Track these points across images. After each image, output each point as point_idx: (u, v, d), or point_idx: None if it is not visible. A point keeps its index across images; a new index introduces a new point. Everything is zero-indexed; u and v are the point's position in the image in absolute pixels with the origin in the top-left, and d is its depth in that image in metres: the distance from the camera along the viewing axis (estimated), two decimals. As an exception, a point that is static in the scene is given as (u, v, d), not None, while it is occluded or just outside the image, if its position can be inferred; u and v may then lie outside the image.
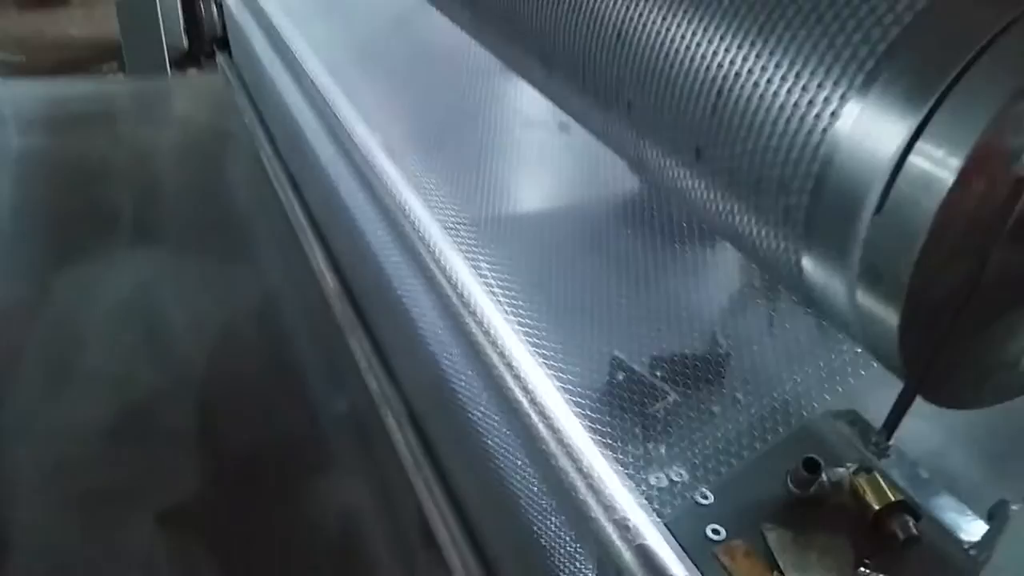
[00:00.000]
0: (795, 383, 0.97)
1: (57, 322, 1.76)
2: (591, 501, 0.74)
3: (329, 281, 1.80)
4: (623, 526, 0.69)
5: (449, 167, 1.46)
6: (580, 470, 0.78)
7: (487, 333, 1.01)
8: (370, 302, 1.64)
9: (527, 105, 1.78)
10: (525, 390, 0.93)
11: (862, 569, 0.80)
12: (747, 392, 0.98)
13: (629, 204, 1.41)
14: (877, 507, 0.84)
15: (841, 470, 0.89)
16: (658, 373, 1.01)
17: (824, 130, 0.54)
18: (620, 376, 1.00)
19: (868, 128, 0.50)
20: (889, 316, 0.52)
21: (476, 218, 1.32)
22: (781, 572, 0.82)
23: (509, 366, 0.97)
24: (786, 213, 0.60)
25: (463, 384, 1.21)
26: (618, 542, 0.69)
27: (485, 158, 1.52)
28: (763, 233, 0.64)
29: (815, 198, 0.56)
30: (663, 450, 0.94)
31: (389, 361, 1.53)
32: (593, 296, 1.15)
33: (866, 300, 0.53)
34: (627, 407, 0.97)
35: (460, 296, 1.06)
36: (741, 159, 0.62)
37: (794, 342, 1.10)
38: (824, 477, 0.89)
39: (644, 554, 0.67)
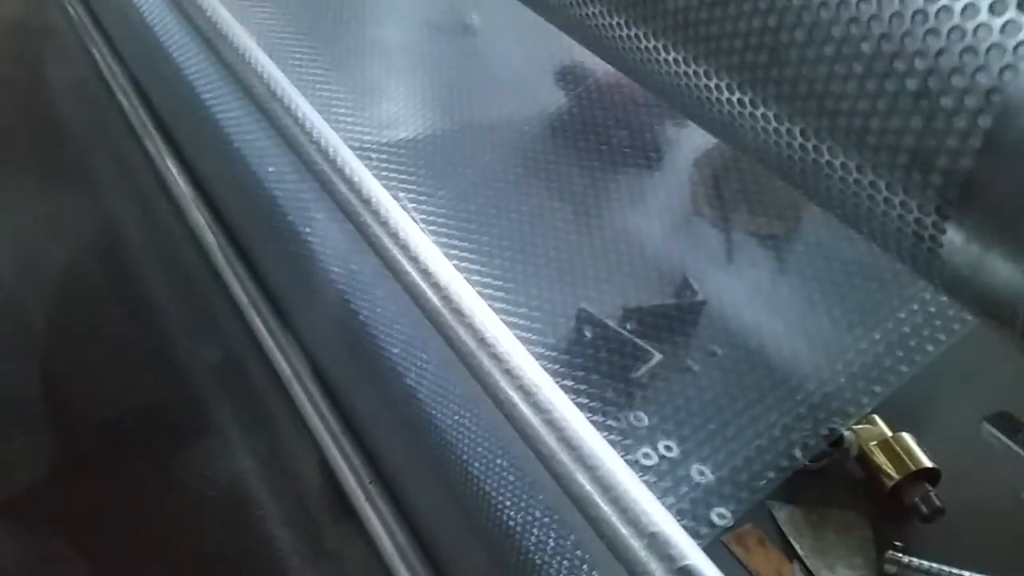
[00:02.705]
0: (782, 335, 0.86)
1: None
2: (603, 505, 0.60)
3: (192, 206, 1.53)
4: (660, 545, 0.55)
5: (340, 74, 1.23)
6: (580, 460, 0.63)
7: (420, 268, 0.82)
8: (250, 233, 1.40)
9: (420, 3, 1.55)
10: (481, 341, 0.75)
11: (892, 552, 0.71)
12: (731, 345, 0.86)
13: (556, 120, 1.24)
14: (897, 477, 0.76)
15: (848, 434, 0.80)
16: (628, 326, 0.87)
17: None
18: (587, 332, 0.85)
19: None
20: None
21: (384, 140, 1.11)
22: (801, 560, 0.73)
23: (454, 309, 0.78)
24: (924, 156, 0.44)
25: (382, 328, 1.02)
26: (652, 564, 0.55)
27: (382, 68, 1.30)
28: (877, 188, 0.47)
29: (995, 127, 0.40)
30: (645, 420, 0.81)
31: (280, 305, 1.31)
32: (536, 231, 0.99)
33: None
34: (600, 369, 0.83)
35: (382, 222, 0.86)
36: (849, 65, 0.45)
37: (766, 283, 0.99)
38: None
39: (687, 577, 0.54)
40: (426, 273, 0.82)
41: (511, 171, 1.10)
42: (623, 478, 0.60)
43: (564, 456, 0.64)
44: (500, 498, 0.81)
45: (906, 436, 0.77)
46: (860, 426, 0.79)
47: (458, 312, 0.78)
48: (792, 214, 1.05)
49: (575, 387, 0.81)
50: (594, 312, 0.86)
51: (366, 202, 0.89)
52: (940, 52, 0.40)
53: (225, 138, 1.30)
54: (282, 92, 1.06)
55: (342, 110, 1.13)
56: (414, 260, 0.83)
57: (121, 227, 1.63)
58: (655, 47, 0.57)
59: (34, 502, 1.14)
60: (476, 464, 0.87)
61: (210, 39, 1.20)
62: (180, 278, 1.53)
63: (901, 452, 0.76)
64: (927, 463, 0.75)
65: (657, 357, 0.81)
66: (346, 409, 1.18)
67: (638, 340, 0.83)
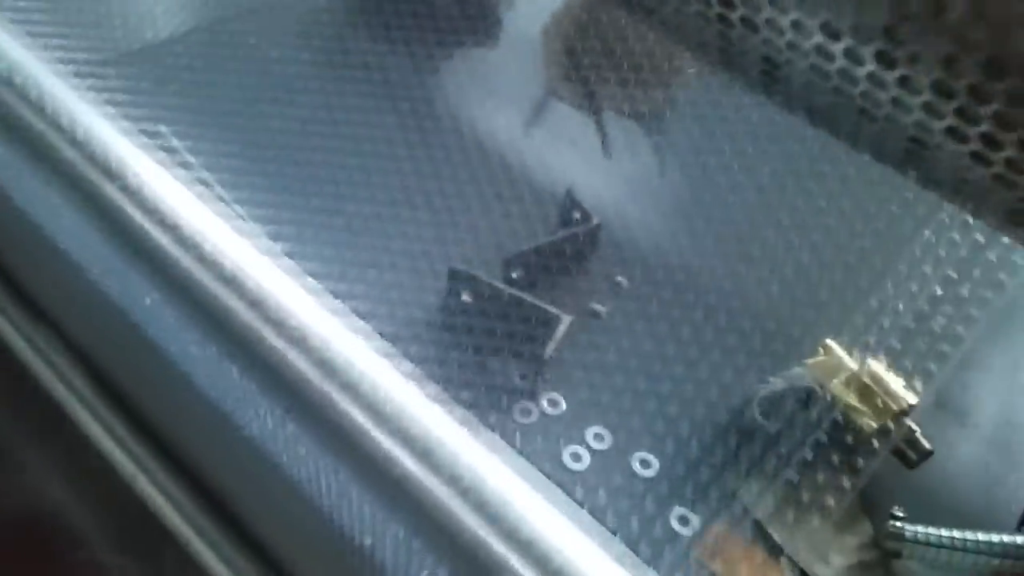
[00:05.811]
0: (700, 247, 0.68)
1: None
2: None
3: None
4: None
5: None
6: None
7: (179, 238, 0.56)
8: None
9: None
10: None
11: (892, 523, 0.57)
12: (639, 272, 0.67)
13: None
14: (876, 425, 0.61)
15: (798, 371, 0.64)
16: (515, 275, 0.65)
17: None
18: (465, 296, 0.63)
19: None
20: None
21: (129, 47, 0.78)
22: (791, 560, 0.58)
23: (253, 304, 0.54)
24: None
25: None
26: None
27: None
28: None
29: None
30: (563, 403, 0.62)
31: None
32: (356, 163, 0.73)
33: None
34: (488, 346, 0.61)
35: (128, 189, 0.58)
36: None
37: (656, 176, 0.79)
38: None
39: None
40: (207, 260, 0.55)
41: (305, 70, 0.81)
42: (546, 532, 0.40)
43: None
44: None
45: (874, 364, 0.62)
46: (811, 359, 0.63)
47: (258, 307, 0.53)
48: (665, 82, 0.86)
49: (457, 376, 0.60)
50: (466, 269, 0.63)
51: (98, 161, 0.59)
52: None
53: None
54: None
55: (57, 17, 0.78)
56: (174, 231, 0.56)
57: None
58: None
59: None
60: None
61: None
62: None
63: (875, 388, 0.61)
64: (911, 399, 0.60)
65: (566, 319, 0.61)
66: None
67: (529, 297, 0.62)
